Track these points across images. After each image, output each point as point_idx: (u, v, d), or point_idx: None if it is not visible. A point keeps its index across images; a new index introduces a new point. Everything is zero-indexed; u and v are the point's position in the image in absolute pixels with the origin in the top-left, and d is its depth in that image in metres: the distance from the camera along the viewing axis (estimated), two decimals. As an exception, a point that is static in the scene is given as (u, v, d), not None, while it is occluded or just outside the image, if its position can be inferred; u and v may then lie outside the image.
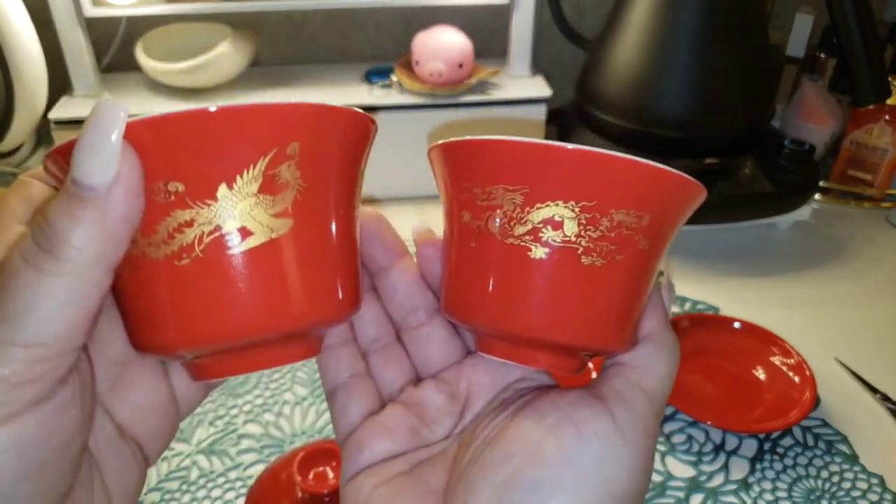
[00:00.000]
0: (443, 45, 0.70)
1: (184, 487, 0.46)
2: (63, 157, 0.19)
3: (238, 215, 0.19)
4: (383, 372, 0.28)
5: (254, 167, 0.19)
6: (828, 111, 0.79)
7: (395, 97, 0.71)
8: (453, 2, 0.75)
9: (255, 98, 0.71)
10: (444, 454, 0.25)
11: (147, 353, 0.22)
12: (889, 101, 0.71)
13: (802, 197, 0.69)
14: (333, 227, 0.22)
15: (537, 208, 0.22)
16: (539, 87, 0.74)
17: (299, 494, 0.39)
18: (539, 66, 0.81)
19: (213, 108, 0.18)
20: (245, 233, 0.19)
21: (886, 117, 0.73)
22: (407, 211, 0.73)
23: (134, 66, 0.72)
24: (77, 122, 0.68)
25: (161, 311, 0.20)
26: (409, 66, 0.73)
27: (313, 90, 0.72)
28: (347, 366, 0.27)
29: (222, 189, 0.19)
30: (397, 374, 0.28)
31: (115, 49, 0.77)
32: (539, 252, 0.22)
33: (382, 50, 0.85)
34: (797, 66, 0.85)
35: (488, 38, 0.84)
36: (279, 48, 0.83)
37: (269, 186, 0.20)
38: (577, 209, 0.22)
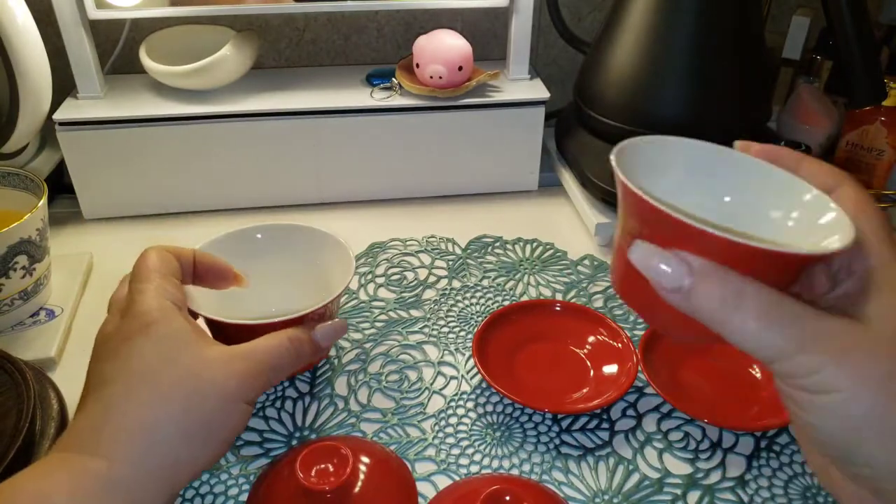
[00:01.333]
0: (443, 48, 0.70)
1: (188, 484, 0.46)
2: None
3: None
4: None
5: None
6: (824, 113, 0.79)
7: (395, 99, 0.71)
8: (454, 5, 0.75)
9: (256, 99, 0.71)
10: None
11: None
12: (885, 103, 0.72)
13: (799, 198, 0.70)
14: None
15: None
16: (537, 90, 0.75)
17: (302, 491, 0.39)
18: (538, 68, 0.81)
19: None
20: None
21: (882, 119, 0.74)
22: (408, 212, 0.74)
23: (137, 69, 0.73)
24: (81, 124, 0.68)
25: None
26: (409, 69, 0.74)
27: (315, 93, 0.73)
28: None
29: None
30: None
31: (119, 51, 0.77)
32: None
33: (383, 53, 0.86)
34: (793, 67, 0.86)
35: (488, 41, 0.85)
36: (282, 51, 0.84)
37: None
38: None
